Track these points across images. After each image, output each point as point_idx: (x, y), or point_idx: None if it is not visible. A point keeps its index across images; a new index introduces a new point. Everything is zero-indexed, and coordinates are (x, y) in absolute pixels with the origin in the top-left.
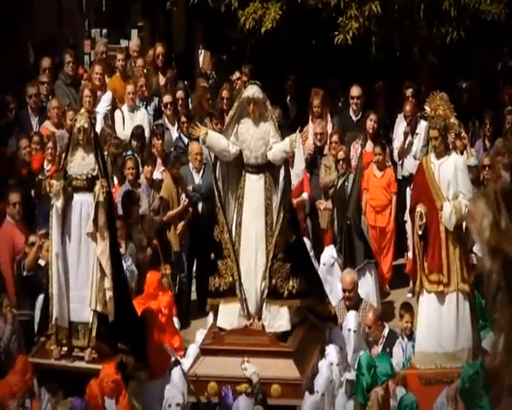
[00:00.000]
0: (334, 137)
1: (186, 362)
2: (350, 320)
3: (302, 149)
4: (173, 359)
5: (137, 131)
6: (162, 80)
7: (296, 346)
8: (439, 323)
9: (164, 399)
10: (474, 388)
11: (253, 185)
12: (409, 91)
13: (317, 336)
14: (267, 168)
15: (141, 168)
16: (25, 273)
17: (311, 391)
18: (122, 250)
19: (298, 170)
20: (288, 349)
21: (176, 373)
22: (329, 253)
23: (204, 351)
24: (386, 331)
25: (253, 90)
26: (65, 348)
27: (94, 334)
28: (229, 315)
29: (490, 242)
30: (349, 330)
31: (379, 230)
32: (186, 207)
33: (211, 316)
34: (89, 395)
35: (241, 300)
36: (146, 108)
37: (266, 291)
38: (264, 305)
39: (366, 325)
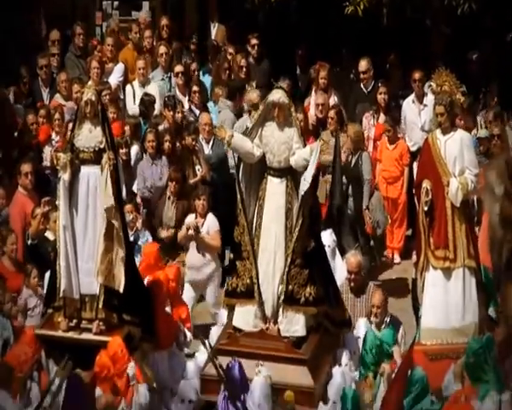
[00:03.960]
0: (331, 113)
1: (200, 357)
2: (361, 329)
3: (317, 158)
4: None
5: (146, 98)
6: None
7: (310, 353)
8: (445, 299)
9: (177, 392)
10: (479, 363)
11: (275, 188)
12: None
13: (332, 342)
14: (289, 173)
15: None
16: (29, 242)
17: (325, 401)
18: (139, 225)
19: (308, 176)
20: (303, 357)
21: (191, 368)
22: (331, 236)
23: (219, 351)
24: (388, 319)
25: (278, 95)
26: (74, 320)
27: (100, 306)
28: (245, 316)
29: (501, 212)
30: (358, 337)
31: (391, 201)
32: (203, 177)
33: (222, 312)
34: (99, 366)
35: (258, 303)
36: (170, 80)
37: (283, 296)
38: (281, 309)
39: (374, 305)
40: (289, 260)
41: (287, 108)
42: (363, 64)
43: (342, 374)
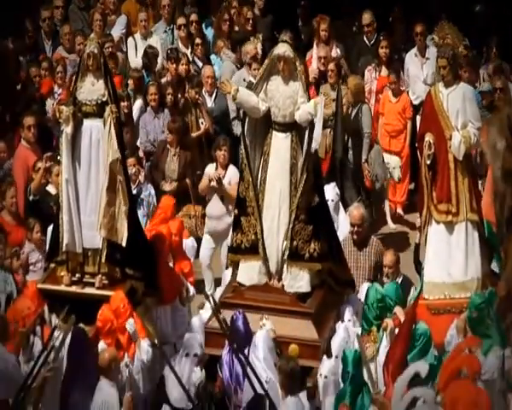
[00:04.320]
0: (331, 65)
1: (205, 314)
2: (364, 293)
3: (322, 113)
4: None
5: (150, 50)
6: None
7: (315, 308)
8: (447, 253)
9: (182, 346)
10: (482, 317)
11: (280, 143)
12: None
13: (336, 300)
14: (294, 127)
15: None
16: (31, 198)
17: (329, 355)
18: (141, 178)
19: (317, 134)
20: (308, 310)
21: (196, 323)
22: (334, 189)
23: (224, 304)
24: (400, 279)
25: (283, 49)
26: (77, 275)
27: (103, 260)
28: (249, 271)
29: (503, 166)
30: (361, 301)
31: (393, 155)
32: (206, 131)
33: (227, 273)
34: (101, 320)
35: (262, 259)
36: (172, 32)
37: (287, 252)
38: (285, 266)
39: (386, 265)
40: (293, 215)
41: (292, 62)
42: (366, 17)
43: (345, 329)
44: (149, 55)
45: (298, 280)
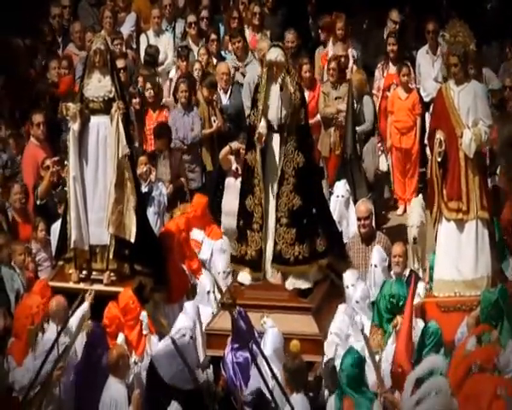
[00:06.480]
0: (332, 64)
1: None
2: (348, 278)
3: (280, 99)
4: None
5: (149, 50)
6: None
7: (316, 302)
8: (457, 250)
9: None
10: (496, 313)
11: (274, 141)
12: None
13: (338, 294)
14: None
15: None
16: (38, 202)
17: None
18: (153, 177)
19: (271, 117)
20: (308, 305)
21: (189, 306)
22: (345, 186)
23: (224, 305)
24: (407, 271)
25: (276, 54)
26: (85, 272)
27: (111, 256)
28: (250, 277)
29: None
30: (346, 287)
31: (404, 151)
32: (219, 129)
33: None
34: (108, 317)
35: (262, 275)
36: (173, 30)
37: (271, 256)
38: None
39: (396, 254)
40: (274, 218)
41: (283, 66)
42: (394, 15)
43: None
44: (150, 54)
45: (298, 279)
